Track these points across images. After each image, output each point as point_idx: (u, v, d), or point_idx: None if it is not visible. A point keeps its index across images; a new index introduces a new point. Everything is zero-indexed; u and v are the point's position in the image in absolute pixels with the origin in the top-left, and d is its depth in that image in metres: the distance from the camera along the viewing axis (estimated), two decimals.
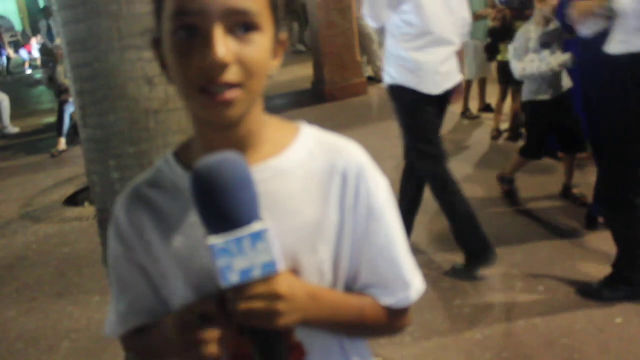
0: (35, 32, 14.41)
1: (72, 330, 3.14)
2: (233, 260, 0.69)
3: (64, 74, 6.93)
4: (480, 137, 5.52)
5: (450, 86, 3.17)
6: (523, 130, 5.32)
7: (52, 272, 3.90)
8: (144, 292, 0.91)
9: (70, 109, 7.07)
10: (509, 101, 5.41)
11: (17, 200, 5.53)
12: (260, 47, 0.76)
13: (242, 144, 0.83)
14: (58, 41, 8.61)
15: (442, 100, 3.19)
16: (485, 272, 3.13)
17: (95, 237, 2.00)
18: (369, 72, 8.63)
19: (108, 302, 1.57)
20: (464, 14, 3.17)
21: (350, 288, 0.90)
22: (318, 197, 0.85)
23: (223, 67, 0.73)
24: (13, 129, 8.94)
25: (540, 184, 4.28)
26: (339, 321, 0.86)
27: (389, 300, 0.90)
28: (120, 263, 0.91)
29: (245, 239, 0.69)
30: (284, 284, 0.74)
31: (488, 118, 5.93)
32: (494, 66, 5.77)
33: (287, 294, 0.74)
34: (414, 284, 0.91)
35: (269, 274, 0.71)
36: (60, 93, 7.43)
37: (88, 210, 4.96)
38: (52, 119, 8.30)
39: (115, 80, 1.37)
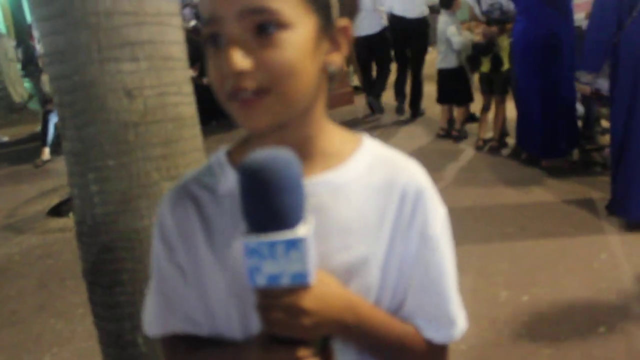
0: (20, 42, 14.22)
1: (54, 344, 3.09)
2: (263, 262, 0.66)
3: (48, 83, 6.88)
4: (464, 147, 5.55)
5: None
6: (508, 140, 5.38)
7: (35, 284, 3.85)
8: (183, 296, 0.85)
9: (54, 119, 7.00)
10: (492, 110, 5.46)
11: (0, 211, 5.46)
12: (288, 46, 0.70)
13: (295, 151, 0.75)
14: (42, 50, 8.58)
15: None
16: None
17: None
18: (355, 81, 8.64)
19: (90, 315, 1.56)
20: None
21: (392, 314, 0.85)
22: (373, 215, 0.80)
23: (240, 75, 0.69)
24: (2, 138, 8.87)
25: (525, 192, 4.31)
26: (378, 340, 0.81)
27: (432, 334, 0.85)
28: (161, 262, 0.86)
29: (279, 244, 0.65)
30: (310, 299, 0.69)
31: (472, 127, 5.95)
32: (475, 77, 5.84)
33: (312, 309, 0.69)
34: (458, 322, 0.86)
35: (298, 285, 0.68)
36: (45, 102, 7.38)
37: (72, 221, 4.88)
38: (36, 129, 8.23)
39: (95, 92, 1.36)
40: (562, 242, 3.50)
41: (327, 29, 0.75)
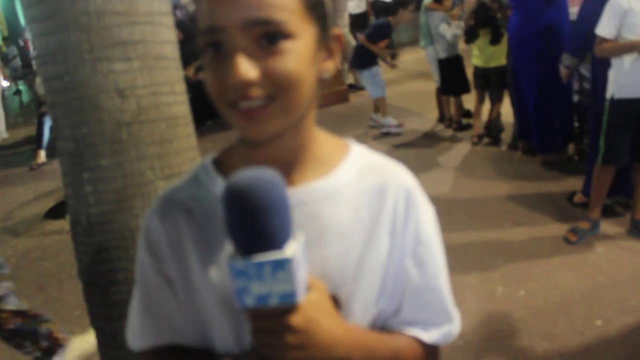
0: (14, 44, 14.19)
1: None
2: (250, 283, 0.65)
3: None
4: (461, 143, 5.55)
5: None
6: (502, 136, 5.37)
7: (32, 287, 3.84)
8: (170, 308, 0.84)
9: (49, 121, 7.00)
10: (486, 106, 5.45)
11: None
12: (293, 56, 0.70)
13: (287, 160, 0.79)
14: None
15: None
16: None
17: None
18: (350, 79, 8.65)
19: (87, 316, 1.56)
20: None
21: (389, 320, 0.86)
22: (367, 220, 0.81)
23: (247, 85, 0.68)
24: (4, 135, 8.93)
25: (520, 188, 4.31)
26: None
27: (434, 335, 0.87)
28: (147, 274, 0.84)
29: (266, 265, 0.65)
30: (300, 318, 0.68)
31: (467, 123, 5.96)
32: (470, 72, 5.83)
33: (301, 328, 0.68)
34: (455, 317, 0.89)
35: (287, 305, 0.67)
36: (39, 105, 7.36)
37: (68, 223, 4.90)
38: (31, 131, 8.21)
39: (87, 92, 1.36)
40: (558, 237, 3.51)
41: (323, 38, 0.76)
